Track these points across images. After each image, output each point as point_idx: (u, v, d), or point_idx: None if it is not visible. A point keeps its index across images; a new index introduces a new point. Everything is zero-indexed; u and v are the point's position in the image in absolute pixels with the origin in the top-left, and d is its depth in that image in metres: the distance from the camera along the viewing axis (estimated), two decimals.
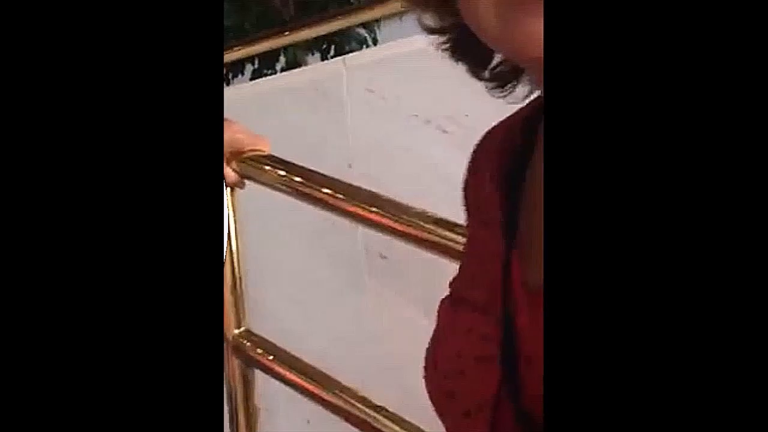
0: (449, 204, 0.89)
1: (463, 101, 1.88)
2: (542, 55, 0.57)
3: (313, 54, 6.54)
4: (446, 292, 0.81)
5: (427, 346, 0.78)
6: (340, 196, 1.39)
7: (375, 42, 6.26)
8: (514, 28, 0.59)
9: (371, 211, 1.34)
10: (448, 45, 0.74)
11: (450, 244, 1.18)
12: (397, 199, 1.39)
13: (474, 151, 0.84)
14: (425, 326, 0.80)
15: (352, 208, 1.37)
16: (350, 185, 1.45)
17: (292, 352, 1.62)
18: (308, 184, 1.45)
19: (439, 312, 0.80)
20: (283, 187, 1.51)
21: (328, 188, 1.41)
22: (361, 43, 6.46)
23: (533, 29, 0.58)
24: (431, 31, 0.73)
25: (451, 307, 0.78)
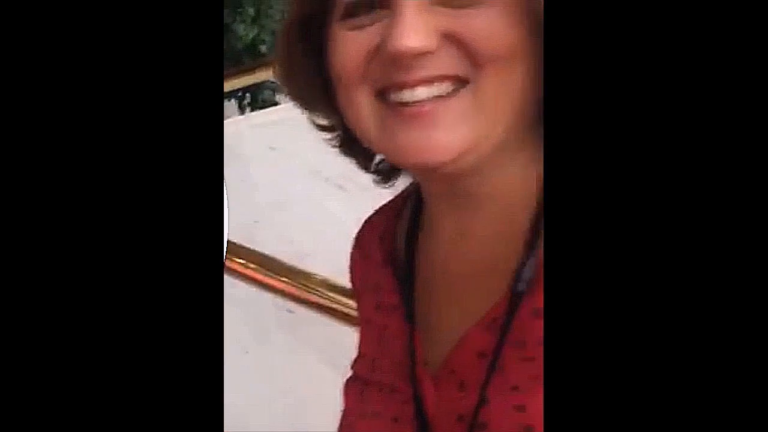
0: (348, 256, 0.89)
1: None
2: (417, 162, 0.62)
3: (229, 100, 6.48)
4: (351, 348, 0.81)
5: (337, 424, 0.78)
6: (251, 266, 1.40)
7: None
8: (391, 137, 0.63)
9: (278, 280, 1.35)
10: (336, 141, 0.75)
11: (351, 311, 1.21)
12: (303, 255, 1.40)
13: (357, 237, 0.85)
14: (332, 379, 0.82)
15: (259, 276, 1.38)
16: (257, 253, 1.46)
17: None
18: None
19: (345, 394, 0.79)
20: None
21: (235, 257, 1.42)
22: (274, 91, 6.45)
23: (409, 139, 0.61)
24: (320, 128, 0.75)
25: (357, 390, 0.78)
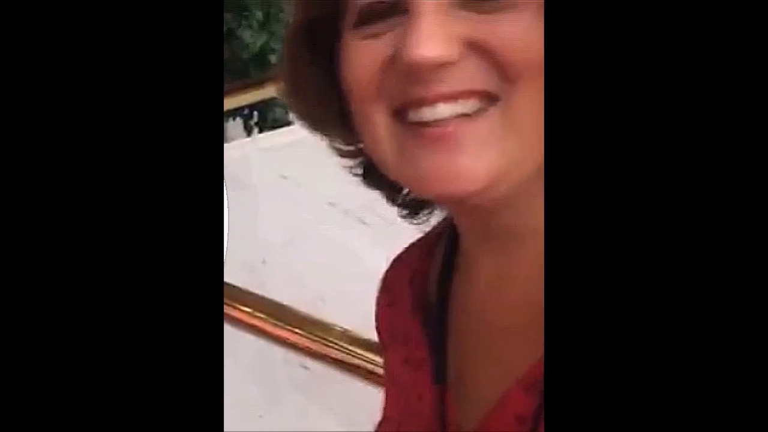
0: (373, 301, 0.89)
1: None
2: (441, 192, 0.62)
3: (234, 119, 6.50)
4: (376, 411, 0.82)
5: None
6: (259, 315, 1.40)
7: None
8: (410, 163, 0.63)
9: (290, 331, 1.36)
10: (359, 170, 0.76)
11: (375, 368, 1.21)
12: (318, 299, 1.41)
13: (384, 279, 0.85)
14: None
15: (268, 327, 1.38)
16: (266, 300, 1.46)
17: None
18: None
19: None
20: None
21: (240, 305, 1.43)
22: (285, 108, 6.48)
23: (431, 165, 0.61)
24: (340, 153, 0.75)
25: None
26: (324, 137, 0.74)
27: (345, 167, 0.76)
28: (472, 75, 0.60)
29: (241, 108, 6.16)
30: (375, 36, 0.62)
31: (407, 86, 0.61)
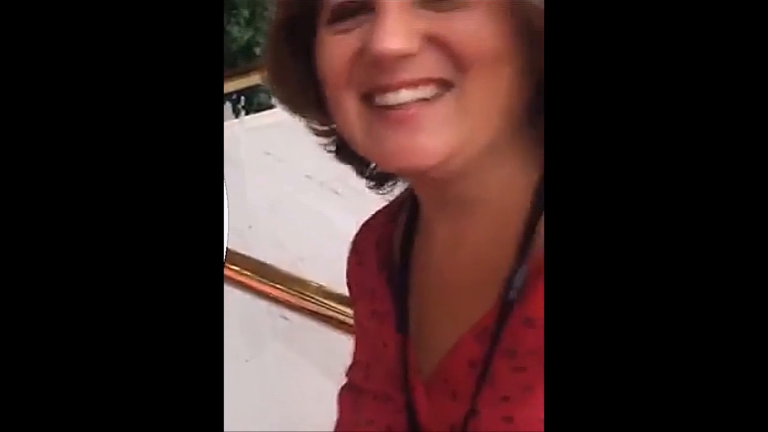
0: (344, 261, 0.88)
1: None
2: (403, 166, 0.63)
3: (223, 104, 6.45)
4: (348, 357, 0.82)
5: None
6: (246, 273, 1.40)
7: None
8: (376, 142, 0.64)
9: (273, 287, 1.35)
10: (332, 147, 0.76)
11: (346, 319, 1.21)
12: (298, 259, 1.40)
13: (354, 242, 0.86)
14: (328, 388, 0.83)
15: (254, 284, 1.38)
16: (252, 260, 1.46)
17: None
18: None
19: (339, 403, 0.80)
20: None
21: (229, 264, 1.42)
22: (269, 94, 6.42)
23: (394, 143, 0.62)
24: (316, 132, 0.76)
25: (351, 399, 0.79)
26: (302, 119, 0.75)
27: (320, 144, 0.77)
28: (431, 65, 0.61)
29: (230, 93, 6.12)
30: (346, 31, 0.63)
31: (374, 75, 0.62)
